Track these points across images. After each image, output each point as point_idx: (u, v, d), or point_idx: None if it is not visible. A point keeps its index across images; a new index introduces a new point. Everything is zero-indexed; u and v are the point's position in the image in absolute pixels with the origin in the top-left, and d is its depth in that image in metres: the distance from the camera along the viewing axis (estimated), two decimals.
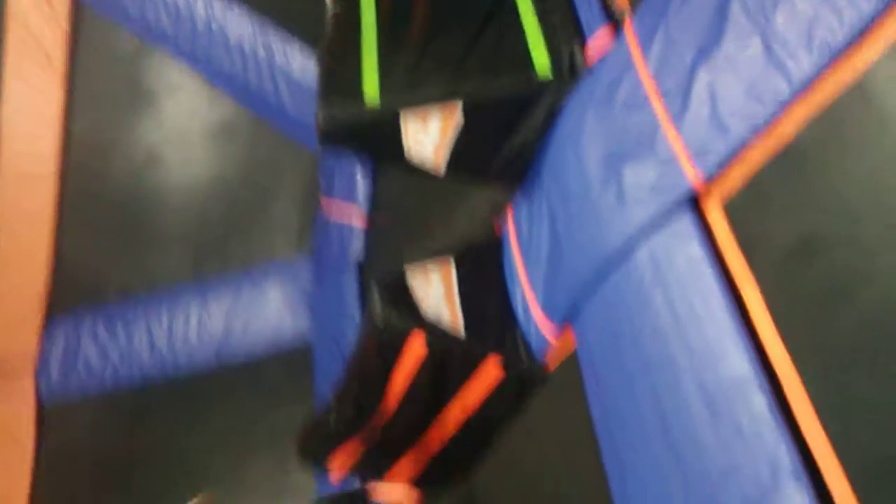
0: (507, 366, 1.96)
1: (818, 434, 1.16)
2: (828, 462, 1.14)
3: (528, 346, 1.98)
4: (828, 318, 1.11)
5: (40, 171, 3.04)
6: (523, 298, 1.96)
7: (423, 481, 2.45)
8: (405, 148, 1.81)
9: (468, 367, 2.04)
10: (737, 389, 1.27)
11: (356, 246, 2.88)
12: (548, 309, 1.86)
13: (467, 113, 1.67)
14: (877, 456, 1.07)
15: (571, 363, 1.79)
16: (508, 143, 1.74)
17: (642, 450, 1.44)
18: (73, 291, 3.77)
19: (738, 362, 1.25)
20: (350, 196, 2.82)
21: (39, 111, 2.86)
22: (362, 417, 2.21)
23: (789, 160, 1.16)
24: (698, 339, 1.32)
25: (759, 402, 1.23)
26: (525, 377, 1.95)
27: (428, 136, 1.75)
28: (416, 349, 2.00)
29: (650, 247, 1.40)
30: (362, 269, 2.87)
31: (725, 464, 1.26)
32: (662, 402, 1.39)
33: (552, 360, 1.91)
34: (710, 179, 1.29)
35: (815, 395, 1.16)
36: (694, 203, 1.36)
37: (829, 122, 1.09)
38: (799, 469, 1.16)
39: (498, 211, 2.09)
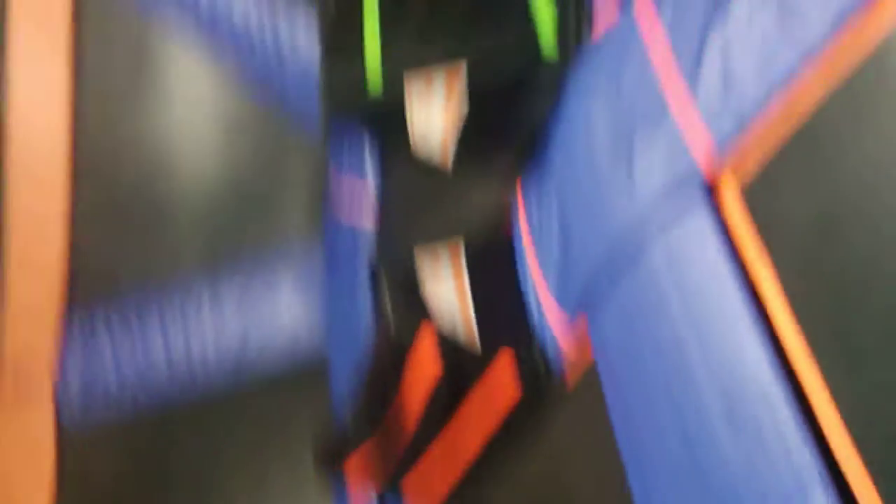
0: (523, 379, 1.97)
1: (842, 440, 1.14)
2: (853, 468, 1.12)
3: (544, 353, 2.00)
4: (849, 309, 1.09)
5: (50, 169, 3.15)
6: (537, 300, 1.97)
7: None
8: (410, 133, 1.85)
9: (480, 371, 2.06)
10: (761, 400, 1.25)
11: (365, 250, 2.93)
12: (562, 301, 1.86)
13: (471, 82, 1.71)
14: None
15: (592, 378, 1.80)
16: (514, 121, 1.76)
17: (665, 467, 1.43)
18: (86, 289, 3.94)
19: (762, 372, 1.24)
20: (360, 173, 2.85)
21: (48, 104, 2.97)
22: (374, 419, 2.26)
23: (804, 138, 1.14)
24: (717, 346, 1.32)
25: (784, 411, 1.21)
26: (543, 388, 1.94)
27: (433, 113, 1.78)
28: (428, 363, 2.04)
29: (666, 242, 1.40)
30: (373, 274, 2.92)
31: (748, 477, 1.25)
32: (684, 415, 1.38)
33: (571, 374, 1.92)
34: (724, 153, 1.28)
35: (837, 395, 1.14)
36: (708, 193, 1.35)
37: (846, 95, 1.07)
38: (827, 482, 1.14)
39: (507, 208, 2.10)
